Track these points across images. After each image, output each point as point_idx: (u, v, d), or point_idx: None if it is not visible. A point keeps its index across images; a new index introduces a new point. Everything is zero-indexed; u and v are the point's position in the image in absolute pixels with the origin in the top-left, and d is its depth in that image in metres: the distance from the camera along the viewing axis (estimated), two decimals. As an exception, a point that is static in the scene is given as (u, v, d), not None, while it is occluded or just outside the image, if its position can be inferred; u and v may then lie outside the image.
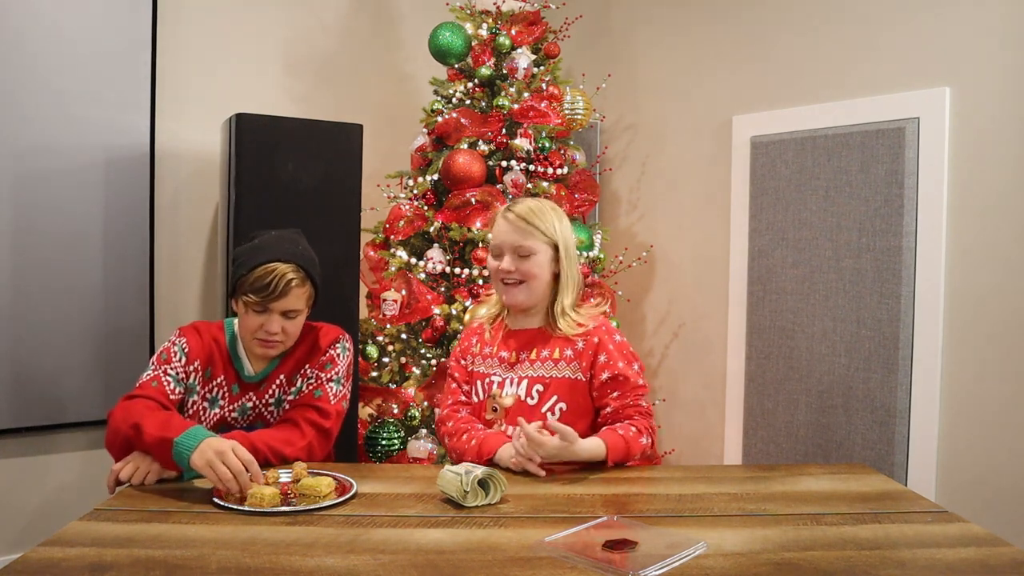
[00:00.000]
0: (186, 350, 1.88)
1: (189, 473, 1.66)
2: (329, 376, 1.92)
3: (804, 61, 2.85)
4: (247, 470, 1.52)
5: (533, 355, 1.88)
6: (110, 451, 1.71)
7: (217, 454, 1.52)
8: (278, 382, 1.94)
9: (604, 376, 1.83)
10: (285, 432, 1.82)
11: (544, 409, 1.83)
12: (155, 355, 1.88)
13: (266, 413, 1.94)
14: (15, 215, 2.91)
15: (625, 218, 3.60)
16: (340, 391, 1.92)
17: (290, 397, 1.94)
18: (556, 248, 1.87)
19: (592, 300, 1.97)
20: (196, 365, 1.88)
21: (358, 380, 2.85)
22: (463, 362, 2.00)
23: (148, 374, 1.84)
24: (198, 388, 1.88)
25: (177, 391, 1.84)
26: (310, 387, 1.91)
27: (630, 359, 1.87)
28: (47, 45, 2.92)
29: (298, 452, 1.79)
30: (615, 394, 1.84)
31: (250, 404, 1.93)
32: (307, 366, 1.94)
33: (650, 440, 1.82)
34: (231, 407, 1.92)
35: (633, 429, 1.79)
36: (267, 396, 1.93)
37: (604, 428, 1.81)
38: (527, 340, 1.90)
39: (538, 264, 1.85)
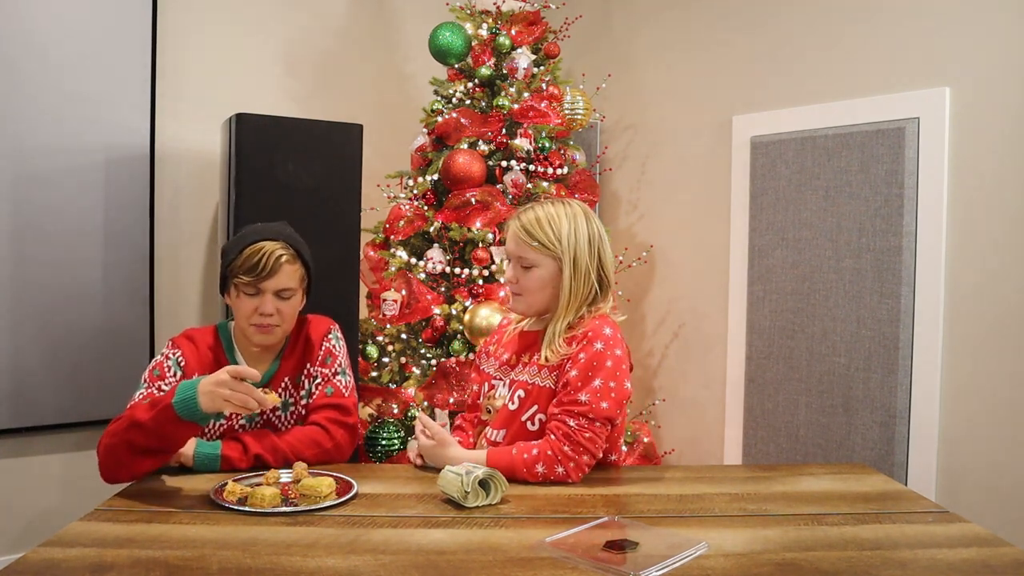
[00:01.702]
0: (182, 363, 1.84)
1: (201, 461, 1.68)
2: (334, 370, 1.91)
3: (804, 61, 2.85)
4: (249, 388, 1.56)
5: (528, 358, 1.81)
6: (112, 478, 1.62)
7: (218, 385, 1.54)
8: (283, 385, 1.91)
9: (560, 383, 1.73)
10: (310, 434, 1.80)
11: (524, 417, 1.76)
12: (147, 370, 1.83)
13: (273, 418, 1.90)
14: (15, 215, 2.91)
15: (625, 218, 3.60)
16: (349, 382, 1.92)
17: (303, 401, 1.91)
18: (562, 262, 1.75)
19: (601, 305, 1.82)
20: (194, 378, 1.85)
21: (358, 379, 2.85)
22: (479, 361, 1.99)
23: (140, 392, 1.79)
24: None
25: None
26: (320, 387, 1.89)
27: (592, 373, 1.68)
28: (47, 45, 2.92)
29: (323, 454, 1.78)
30: (555, 400, 1.71)
31: (257, 409, 1.91)
32: (308, 365, 1.92)
33: (564, 469, 1.63)
34: (237, 415, 1.86)
35: (535, 451, 1.65)
36: None
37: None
38: (529, 343, 1.84)
39: (536, 278, 1.76)
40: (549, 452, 1.65)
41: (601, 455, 1.72)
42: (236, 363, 1.89)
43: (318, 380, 1.91)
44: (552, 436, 1.67)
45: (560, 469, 1.64)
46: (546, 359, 1.74)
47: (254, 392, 1.56)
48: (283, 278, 1.81)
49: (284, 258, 1.80)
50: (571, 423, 1.66)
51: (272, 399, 1.63)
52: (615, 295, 3.09)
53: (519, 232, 1.77)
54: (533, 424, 1.76)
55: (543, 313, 1.83)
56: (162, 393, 1.78)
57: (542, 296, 1.78)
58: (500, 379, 1.87)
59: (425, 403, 2.90)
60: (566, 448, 1.65)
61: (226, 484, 1.52)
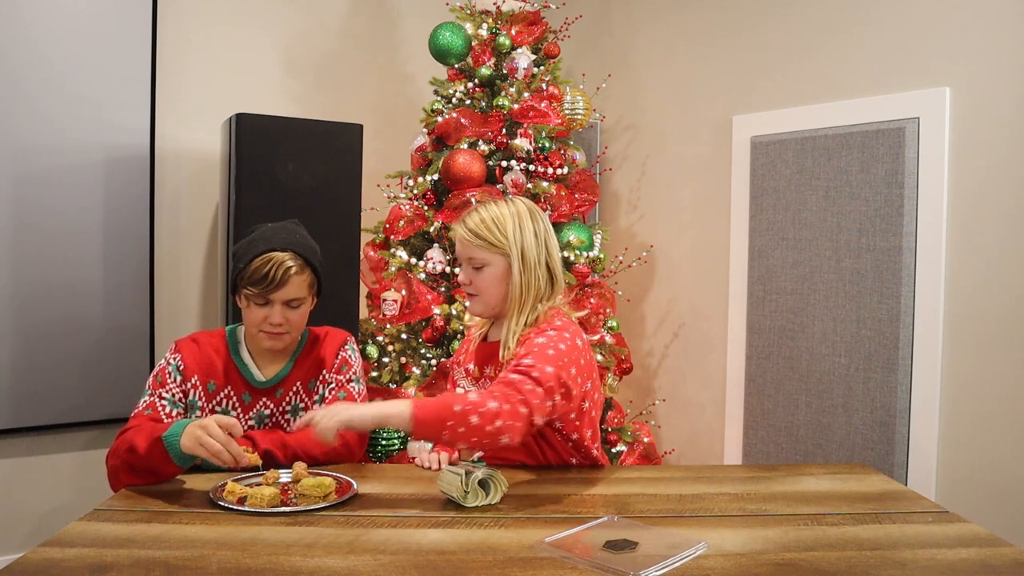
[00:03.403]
0: (181, 368, 1.84)
1: (207, 463, 1.66)
2: (348, 378, 1.92)
3: (804, 61, 2.85)
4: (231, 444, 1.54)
5: (492, 371, 1.81)
6: (117, 487, 1.64)
7: (200, 428, 1.53)
8: (294, 390, 1.91)
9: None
10: None
11: None
12: (152, 375, 1.84)
13: (283, 422, 1.90)
14: (15, 214, 2.91)
15: (625, 218, 3.60)
16: (361, 390, 1.93)
17: (315, 406, 1.91)
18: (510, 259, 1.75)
19: (565, 305, 1.83)
20: (195, 380, 1.84)
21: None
22: (452, 373, 1.99)
23: (144, 400, 1.80)
24: (200, 403, 1.84)
25: (174, 414, 1.80)
26: (333, 392, 1.90)
27: (540, 347, 1.65)
28: (47, 45, 2.92)
29: (332, 453, 1.78)
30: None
31: (267, 412, 1.89)
32: (324, 371, 1.92)
33: (497, 405, 1.52)
34: (246, 417, 1.87)
35: (468, 392, 1.64)
36: (284, 404, 1.90)
37: None
38: (490, 354, 1.84)
39: (488, 276, 1.77)
40: (485, 389, 1.61)
41: (540, 421, 1.61)
42: (243, 365, 1.89)
43: (332, 386, 1.91)
44: (497, 385, 1.60)
45: (493, 404, 1.52)
46: (503, 358, 1.74)
47: (232, 445, 1.54)
48: (291, 289, 1.80)
49: (293, 269, 1.79)
50: (512, 376, 1.61)
51: (252, 459, 1.60)
52: (614, 296, 3.09)
53: (466, 235, 1.78)
54: None
55: (501, 314, 1.83)
56: (163, 402, 1.80)
57: (497, 294, 1.79)
58: (466, 390, 1.87)
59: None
60: (506, 389, 1.56)
61: (226, 484, 1.52)
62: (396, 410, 1.54)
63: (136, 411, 1.78)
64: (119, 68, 3.07)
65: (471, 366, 1.87)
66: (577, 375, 1.68)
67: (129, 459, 1.59)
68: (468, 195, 2.89)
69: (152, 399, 1.79)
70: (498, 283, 1.78)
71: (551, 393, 1.60)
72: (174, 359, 1.85)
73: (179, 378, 1.83)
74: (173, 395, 1.81)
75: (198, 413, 1.84)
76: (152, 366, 3.15)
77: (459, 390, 1.88)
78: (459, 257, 1.83)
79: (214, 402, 1.85)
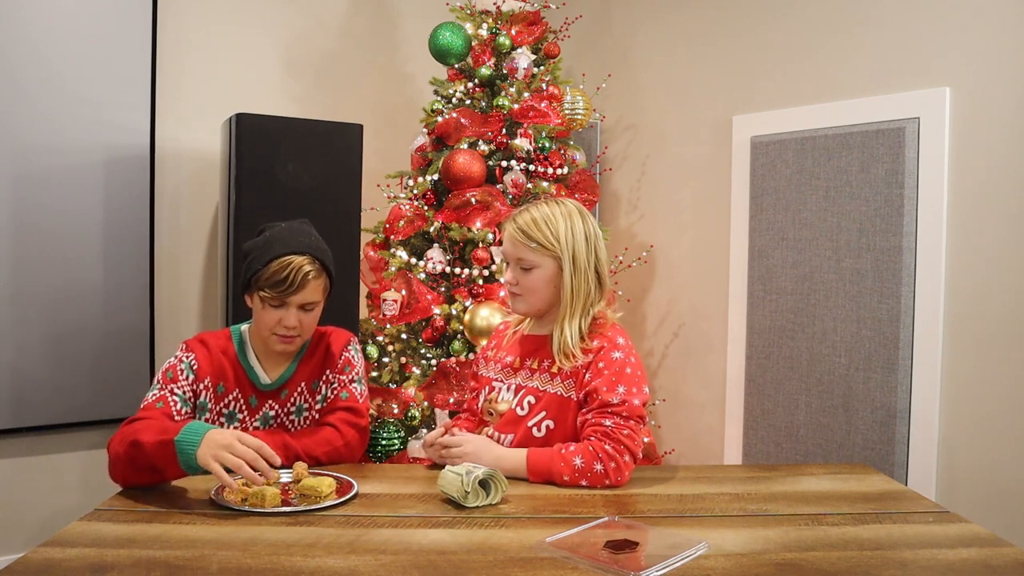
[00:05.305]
0: (195, 367, 1.83)
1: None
2: (350, 378, 1.92)
3: (804, 61, 2.85)
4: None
5: (535, 364, 1.80)
6: (118, 482, 1.61)
7: (223, 447, 1.48)
8: (299, 390, 1.90)
9: (582, 394, 1.73)
10: (321, 433, 1.80)
11: (531, 423, 1.75)
12: (161, 371, 1.82)
13: (287, 423, 1.90)
14: (15, 214, 2.91)
15: (625, 218, 3.60)
16: (363, 390, 1.93)
17: (318, 407, 1.92)
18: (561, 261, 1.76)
19: (609, 309, 1.83)
20: (207, 382, 1.83)
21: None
22: (477, 367, 1.98)
23: (153, 393, 1.78)
24: (210, 405, 1.83)
25: (184, 411, 1.79)
26: (335, 391, 1.90)
27: (616, 379, 1.69)
28: (47, 45, 2.92)
29: (334, 453, 1.78)
30: (583, 409, 1.72)
31: (272, 413, 1.88)
32: (327, 371, 1.92)
33: (603, 467, 1.62)
34: (252, 419, 1.87)
35: (573, 447, 1.65)
36: (289, 405, 1.90)
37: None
38: (535, 346, 1.83)
39: (537, 279, 1.77)
40: (590, 448, 1.64)
41: (641, 455, 1.70)
42: (249, 366, 1.88)
43: (335, 386, 1.92)
44: (591, 438, 1.66)
45: (599, 467, 1.62)
46: (559, 367, 1.74)
47: (258, 463, 1.48)
48: (308, 293, 1.80)
49: (311, 274, 1.80)
50: (607, 423, 1.66)
51: (270, 493, 1.51)
52: (613, 294, 3.09)
53: (516, 234, 1.77)
54: (539, 431, 1.75)
55: (544, 313, 1.83)
56: (175, 397, 1.78)
57: (543, 296, 1.79)
58: (502, 382, 1.86)
59: (425, 403, 2.90)
60: (607, 447, 1.63)
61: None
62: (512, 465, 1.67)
63: (146, 403, 1.75)
64: (119, 68, 3.07)
65: (509, 358, 1.87)
66: (645, 387, 1.74)
67: (132, 453, 1.55)
68: (468, 195, 2.89)
69: (163, 393, 1.77)
70: (546, 285, 1.77)
71: (641, 422, 1.70)
72: (187, 357, 1.84)
73: (192, 377, 1.82)
74: (184, 393, 1.80)
75: (207, 415, 1.83)
76: (152, 366, 3.15)
77: (501, 400, 1.83)
78: (506, 256, 1.82)
79: (222, 404, 1.85)
